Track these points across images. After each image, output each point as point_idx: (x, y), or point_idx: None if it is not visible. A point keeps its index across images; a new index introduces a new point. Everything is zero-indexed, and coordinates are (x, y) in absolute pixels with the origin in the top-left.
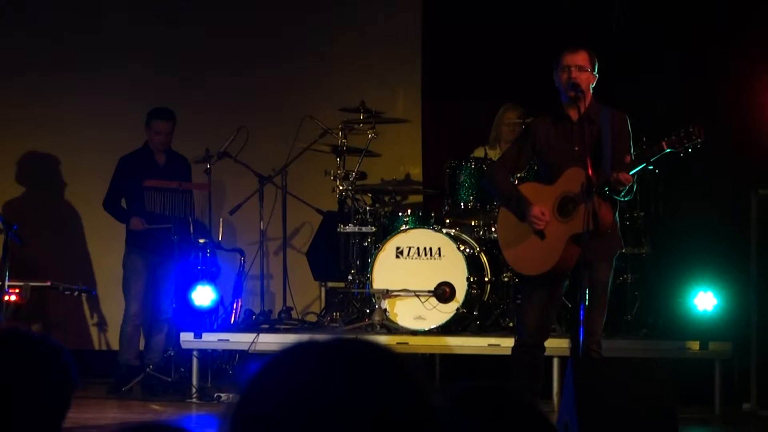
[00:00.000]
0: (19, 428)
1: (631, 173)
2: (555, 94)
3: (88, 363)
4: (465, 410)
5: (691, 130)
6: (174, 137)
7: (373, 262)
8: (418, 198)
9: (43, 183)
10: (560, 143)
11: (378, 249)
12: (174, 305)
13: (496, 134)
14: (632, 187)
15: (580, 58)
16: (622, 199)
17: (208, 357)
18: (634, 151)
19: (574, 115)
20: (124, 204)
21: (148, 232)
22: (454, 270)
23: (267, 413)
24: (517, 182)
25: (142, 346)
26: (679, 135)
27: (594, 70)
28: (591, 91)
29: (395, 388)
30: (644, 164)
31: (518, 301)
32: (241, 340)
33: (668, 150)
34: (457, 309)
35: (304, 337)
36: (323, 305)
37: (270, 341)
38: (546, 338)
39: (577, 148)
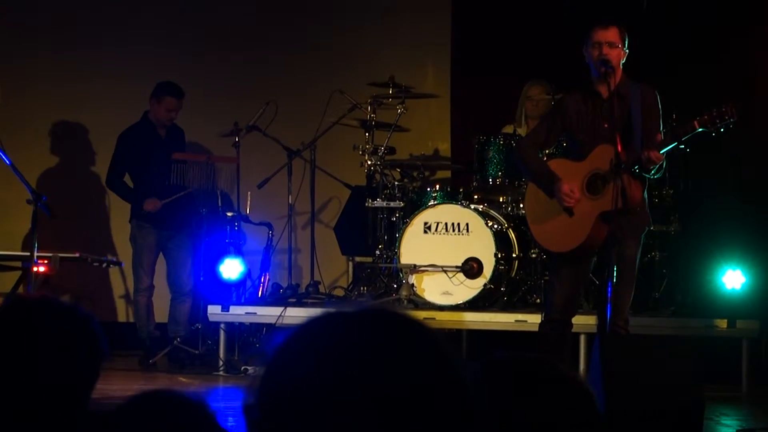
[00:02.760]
0: (48, 397)
1: (661, 152)
2: (585, 70)
3: (115, 335)
4: (499, 380)
5: (723, 109)
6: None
7: (400, 237)
8: (446, 173)
9: (72, 155)
10: (590, 120)
11: (406, 224)
12: (201, 278)
13: (522, 110)
14: (662, 165)
15: (611, 34)
16: (652, 177)
17: (235, 330)
18: (663, 128)
19: (604, 91)
20: (128, 181)
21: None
22: (482, 246)
23: (294, 384)
24: (545, 158)
25: (158, 318)
26: (712, 114)
27: (624, 46)
28: (621, 68)
29: (423, 360)
30: (675, 143)
31: (546, 278)
32: (268, 313)
33: (700, 129)
34: (485, 285)
35: (326, 310)
36: (351, 280)
37: (297, 315)
38: (573, 315)
39: (606, 125)
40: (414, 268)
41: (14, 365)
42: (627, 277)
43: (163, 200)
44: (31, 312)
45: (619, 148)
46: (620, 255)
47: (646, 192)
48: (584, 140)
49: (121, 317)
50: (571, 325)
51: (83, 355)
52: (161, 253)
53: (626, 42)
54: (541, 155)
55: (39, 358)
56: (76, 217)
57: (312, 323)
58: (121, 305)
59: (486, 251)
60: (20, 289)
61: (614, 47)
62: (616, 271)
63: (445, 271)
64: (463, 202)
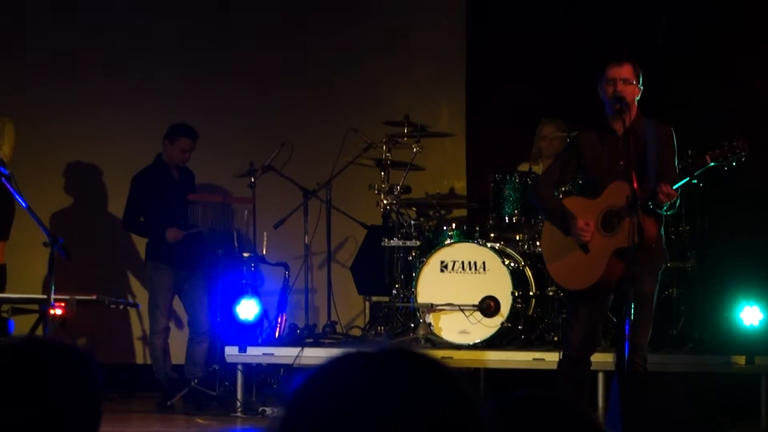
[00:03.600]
0: None
1: (674, 187)
2: (600, 107)
3: (133, 376)
4: (517, 419)
5: (735, 143)
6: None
7: (417, 276)
8: (462, 212)
9: (87, 196)
10: (605, 157)
11: (422, 263)
12: (218, 319)
13: (536, 148)
14: (675, 201)
15: (625, 70)
16: (665, 213)
17: (253, 371)
18: (679, 164)
19: (619, 128)
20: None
21: (175, 246)
22: (499, 284)
23: (314, 424)
24: (561, 196)
25: (174, 360)
26: (723, 148)
27: (639, 83)
28: (636, 104)
29: (442, 399)
30: (687, 178)
31: (563, 316)
32: (285, 354)
33: (712, 164)
34: (502, 323)
35: (346, 350)
36: (368, 319)
37: (314, 355)
38: (592, 352)
39: (622, 162)
40: (431, 307)
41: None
42: (645, 314)
43: (186, 230)
44: (25, 352)
45: (635, 185)
46: (638, 292)
47: (662, 229)
48: (599, 177)
49: (139, 359)
50: (590, 362)
51: (78, 399)
52: (177, 295)
53: (641, 78)
54: (557, 193)
55: (32, 402)
56: (92, 259)
57: (332, 363)
58: (138, 347)
59: (503, 289)
60: (37, 332)
61: (629, 84)
62: (634, 308)
63: (462, 310)
64: (479, 240)
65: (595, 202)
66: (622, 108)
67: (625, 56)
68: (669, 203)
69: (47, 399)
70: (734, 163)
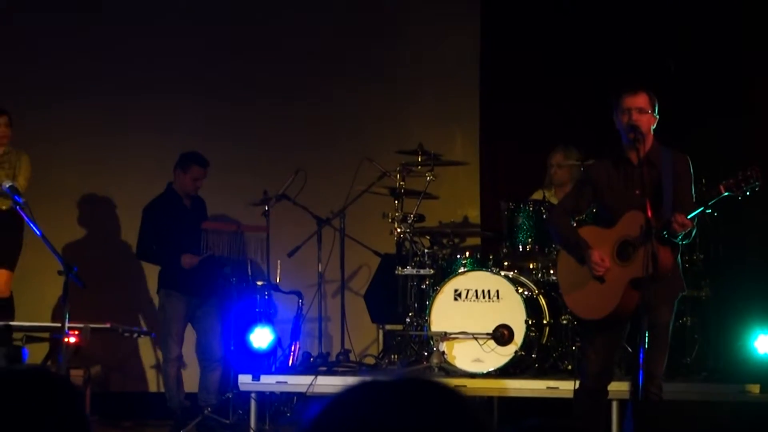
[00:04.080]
0: None
1: (689, 217)
2: (615, 136)
3: (146, 405)
4: None
5: (748, 173)
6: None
7: (431, 304)
8: (476, 240)
9: (100, 224)
10: (620, 187)
11: (436, 291)
12: (231, 347)
13: (548, 176)
14: (691, 231)
15: (641, 100)
16: (681, 243)
17: (266, 399)
18: (695, 194)
19: (634, 158)
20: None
21: (187, 273)
22: (513, 312)
23: None
24: (576, 224)
25: (188, 388)
26: (737, 178)
27: (654, 112)
28: (652, 133)
29: (459, 427)
30: (702, 208)
31: (577, 344)
32: (299, 382)
33: (726, 194)
34: (516, 352)
35: (363, 379)
36: (381, 348)
37: (328, 383)
38: (609, 382)
39: (637, 192)
40: (445, 336)
41: None
42: (660, 343)
43: (200, 256)
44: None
45: (650, 215)
46: (653, 321)
47: (679, 257)
48: (614, 207)
49: (152, 387)
50: (607, 392)
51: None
52: (190, 322)
53: (656, 108)
54: (573, 222)
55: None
56: (106, 287)
57: (349, 392)
58: (151, 375)
59: (517, 318)
60: (51, 361)
61: (644, 113)
62: (649, 337)
63: (476, 339)
64: (493, 269)
65: (611, 232)
66: (636, 137)
67: (639, 86)
68: (684, 233)
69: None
70: (748, 193)
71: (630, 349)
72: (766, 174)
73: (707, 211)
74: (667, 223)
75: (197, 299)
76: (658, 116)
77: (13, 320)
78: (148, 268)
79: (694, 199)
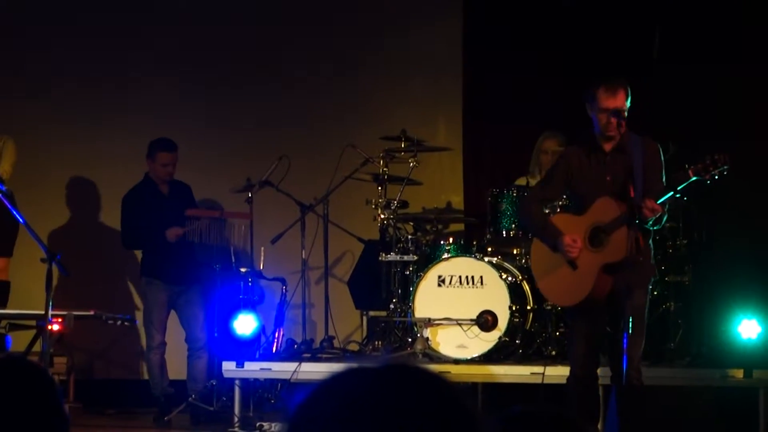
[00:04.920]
0: None
1: (659, 202)
2: (588, 122)
3: (131, 392)
4: None
5: (716, 157)
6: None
7: (414, 290)
8: (459, 226)
9: (85, 212)
10: (592, 173)
11: (420, 277)
12: (215, 334)
13: (536, 163)
14: (661, 217)
15: (620, 101)
16: (651, 228)
17: (250, 386)
18: (665, 180)
19: (606, 145)
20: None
21: (169, 261)
22: (497, 298)
23: None
24: (559, 210)
25: (175, 375)
26: (705, 163)
27: (628, 102)
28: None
29: (444, 413)
30: (672, 193)
31: (561, 330)
32: (283, 369)
33: (695, 178)
34: (500, 337)
35: (349, 365)
36: (365, 334)
37: (312, 370)
38: (596, 367)
39: (609, 178)
40: (428, 322)
41: None
42: (637, 327)
43: (184, 228)
44: None
45: (627, 199)
46: (630, 305)
47: (651, 242)
48: (586, 193)
49: (137, 374)
50: (597, 378)
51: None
52: (173, 310)
53: (629, 98)
54: (553, 208)
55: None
56: (90, 274)
57: (334, 379)
58: (136, 362)
59: (500, 304)
60: (36, 348)
61: (621, 115)
62: (625, 321)
63: (460, 325)
64: (476, 254)
65: (582, 218)
66: (616, 137)
67: (617, 83)
68: (654, 218)
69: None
70: (717, 177)
71: (611, 333)
72: (732, 158)
73: (677, 195)
74: (637, 208)
75: (178, 287)
76: (630, 104)
77: (5, 305)
78: (132, 254)
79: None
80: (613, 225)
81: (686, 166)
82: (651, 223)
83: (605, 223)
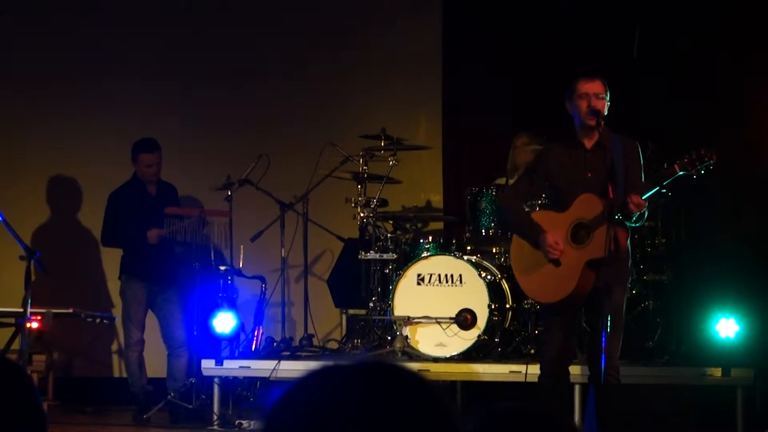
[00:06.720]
0: None
1: (644, 197)
2: (568, 120)
3: (110, 390)
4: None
5: (702, 152)
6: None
7: (394, 289)
8: (438, 225)
9: (64, 210)
10: (572, 170)
11: (399, 276)
12: (194, 332)
13: (513, 163)
14: (644, 213)
15: (597, 86)
16: (634, 225)
17: (229, 384)
18: (645, 178)
19: (586, 142)
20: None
21: (147, 260)
22: (476, 297)
23: None
24: (538, 208)
25: (155, 373)
26: (691, 157)
27: (607, 98)
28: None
29: (421, 412)
30: (657, 188)
31: (540, 329)
32: (262, 367)
33: (681, 173)
34: (479, 336)
35: (324, 363)
36: (344, 332)
37: (291, 368)
38: (569, 364)
39: (589, 175)
40: (408, 320)
41: None
42: (616, 324)
43: (162, 230)
44: None
45: (611, 195)
46: (609, 302)
47: (629, 242)
48: (567, 190)
49: (116, 372)
50: (568, 374)
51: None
52: (150, 309)
53: (608, 93)
54: (532, 205)
55: None
56: (69, 272)
57: (311, 377)
58: (115, 360)
59: (479, 302)
60: (14, 345)
61: (600, 98)
62: (604, 319)
63: (439, 323)
64: (456, 253)
65: (564, 215)
66: (598, 121)
67: (595, 73)
68: (638, 214)
69: None
70: (702, 172)
71: (590, 331)
72: (719, 152)
73: (662, 191)
74: (623, 204)
75: (156, 286)
76: (609, 102)
77: None
78: (112, 253)
79: (644, 181)
80: (597, 221)
81: (676, 161)
82: (635, 218)
83: (588, 220)
